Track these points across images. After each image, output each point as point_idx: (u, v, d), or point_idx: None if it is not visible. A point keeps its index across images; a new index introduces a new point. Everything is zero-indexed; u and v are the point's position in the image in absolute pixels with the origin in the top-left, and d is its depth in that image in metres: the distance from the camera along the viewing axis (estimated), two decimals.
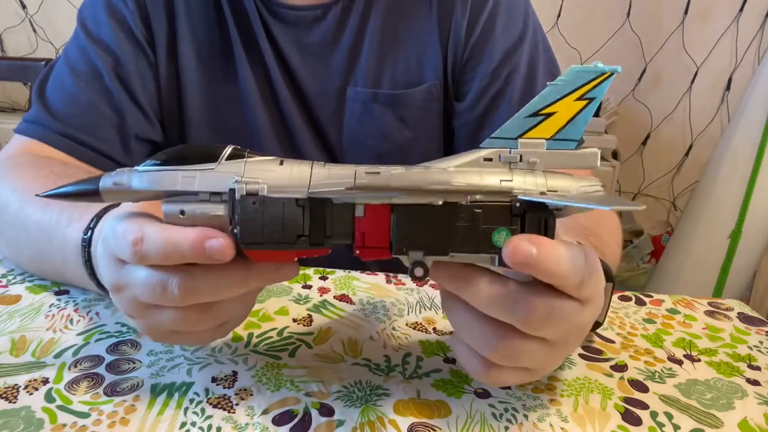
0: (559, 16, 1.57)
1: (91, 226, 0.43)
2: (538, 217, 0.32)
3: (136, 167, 0.33)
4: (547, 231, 0.32)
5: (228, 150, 0.33)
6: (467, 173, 0.33)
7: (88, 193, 0.34)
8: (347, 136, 0.69)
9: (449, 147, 0.73)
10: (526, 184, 0.32)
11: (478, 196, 0.32)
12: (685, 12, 1.58)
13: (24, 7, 1.58)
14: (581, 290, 0.32)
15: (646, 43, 1.61)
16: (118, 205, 0.41)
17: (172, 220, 0.33)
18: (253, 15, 0.65)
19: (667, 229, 1.73)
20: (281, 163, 0.33)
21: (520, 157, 0.33)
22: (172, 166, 0.33)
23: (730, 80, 1.63)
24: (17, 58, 1.30)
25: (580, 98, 0.31)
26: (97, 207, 0.44)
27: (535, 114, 0.32)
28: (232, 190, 0.32)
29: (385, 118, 0.68)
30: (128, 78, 0.64)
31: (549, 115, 0.32)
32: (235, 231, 0.32)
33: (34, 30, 1.59)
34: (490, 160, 0.33)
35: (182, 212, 0.33)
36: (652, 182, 1.73)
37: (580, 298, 0.32)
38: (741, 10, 1.57)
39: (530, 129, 0.33)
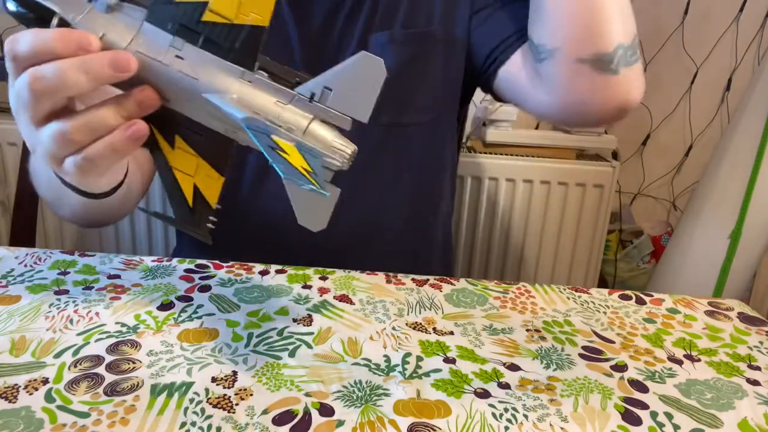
0: None
1: None
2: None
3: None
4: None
5: None
6: (252, 101, 0.36)
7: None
8: None
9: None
10: (289, 123, 0.36)
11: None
12: (685, 12, 1.58)
13: None
14: None
15: (646, 43, 1.60)
16: None
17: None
18: None
19: (667, 229, 1.73)
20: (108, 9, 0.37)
21: (296, 98, 0.36)
22: None
23: (730, 80, 1.63)
24: None
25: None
26: None
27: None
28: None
29: (399, 58, 0.69)
30: None
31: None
32: None
33: None
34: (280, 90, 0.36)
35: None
36: (652, 182, 1.73)
37: None
38: (741, 10, 1.57)
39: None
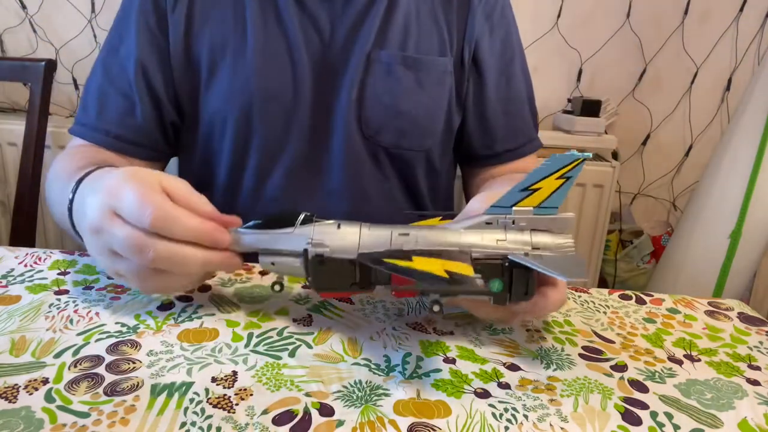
0: (559, 16, 1.57)
1: (73, 190, 0.51)
2: (520, 272, 0.42)
3: (240, 229, 0.46)
4: (529, 281, 0.42)
5: (301, 217, 0.45)
6: (473, 234, 0.43)
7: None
8: (369, 98, 0.69)
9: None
10: (515, 244, 0.42)
11: (479, 255, 0.42)
12: (685, 12, 1.57)
13: (24, 7, 1.57)
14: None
15: (646, 43, 1.60)
16: (92, 171, 0.52)
17: (266, 268, 0.46)
18: None
19: (667, 229, 1.72)
20: (338, 227, 0.44)
21: (513, 221, 0.43)
22: (265, 230, 0.45)
23: (730, 80, 1.63)
24: (17, 58, 1.29)
25: (560, 177, 0.40)
26: (80, 174, 0.52)
27: (526, 189, 0.41)
28: (306, 251, 0.44)
29: (406, 80, 0.70)
30: (151, 77, 0.69)
31: (536, 189, 0.41)
32: (309, 279, 0.44)
33: (34, 30, 1.59)
34: (490, 223, 0.43)
35: (273, 263, 0.45)
36: (652, 182, 1.73)
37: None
38: (741, 10, 1.57)
39: (521, 200, 0.42)
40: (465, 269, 0.39)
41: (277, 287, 0.47)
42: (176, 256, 0.43)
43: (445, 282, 0.37)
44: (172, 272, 0.44)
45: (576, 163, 0.39)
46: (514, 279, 0.42)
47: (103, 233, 0.44)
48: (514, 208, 0.42)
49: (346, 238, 0.43)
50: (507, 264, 0.42)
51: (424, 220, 0.51)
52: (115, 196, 0.43)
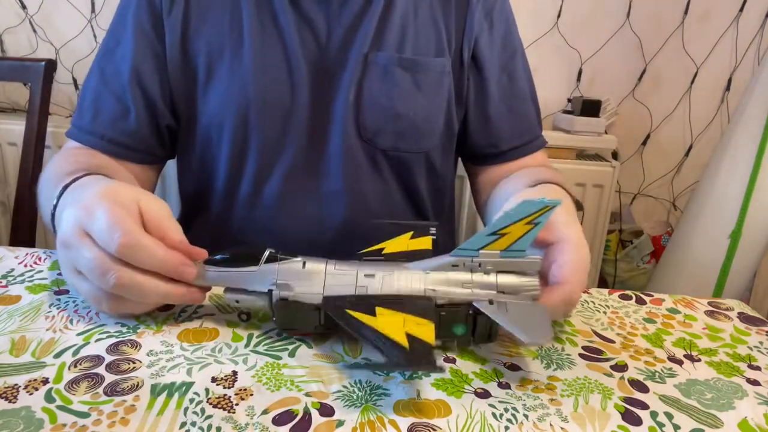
0: (559, 16, 1.57)
1: (58, 196, 0.51)
2: (485, 320, 0.43)
3: (205, 264, 0.45)
4: (492, 327, 0.44)
5: (266, 254, 0.44)
6: (438, 275, 0.43)
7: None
8: (366, 100, 0.69)
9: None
10: (481, 287, 0.43)
11: (443, 301, 0.43)
12: (685, 12, 1.58)
13: (24, 7, 1.57)
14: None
15: (646, 43, 1.60)
16: (80, 177, 0.52)
17: (230, 305, 0.47)
18: None
19: (667, 229, 1.72)
20: (303, 265, 0.44)
21: (480, 264, 0.43)
22: (229, 268, 0.45)
23: (730, 80, 1.63)
24: (17, 58, 1.29)
25: (528, 223, 0.40)
26: (67, 180, 0.52)
27: (494, 233, 0.41)
28: (271, 292, 0.44)
29: (403, 83, 0.69)
30: (145, 81, 0.69)
31: (503, 234, 0.41)
32: (274, 319, 0.45)
33: (34, 30, 1.59)
34: (457, 266, 0.43)
35: (237, 301, 0.45)
36: (652, 182, 1.73)
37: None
38: (741, 10, 1.57)
39: (489, 244, 0.42)
40: (426, 332, 0.39)
41: (243, 317, 0.48)
42: (137, 286, 0.42)
43: (403, 356, 0.37)
44: (129, 299, 0.44)
45: (545, 209, 0.39)
46: (477, 325, 0.43)
47: (71, 249, 0.43)
48: (481, 251, 0.43)
49: (311, 279, 0.44)
50: (470, 312, 0.43)
51: (395, 238, 0.52)
52: (88, 214, 0.43)
